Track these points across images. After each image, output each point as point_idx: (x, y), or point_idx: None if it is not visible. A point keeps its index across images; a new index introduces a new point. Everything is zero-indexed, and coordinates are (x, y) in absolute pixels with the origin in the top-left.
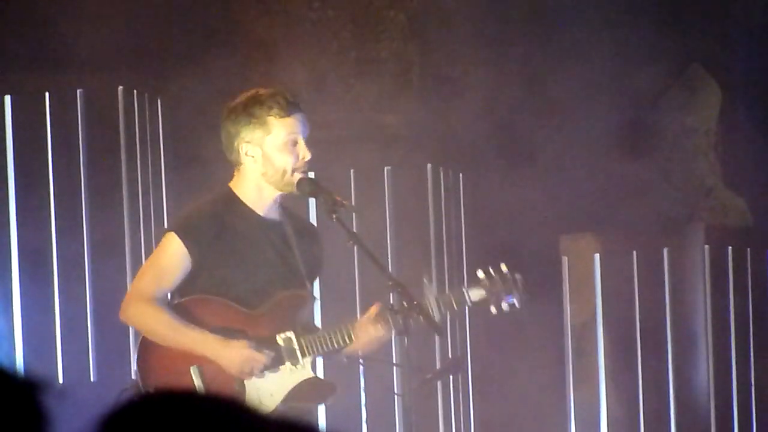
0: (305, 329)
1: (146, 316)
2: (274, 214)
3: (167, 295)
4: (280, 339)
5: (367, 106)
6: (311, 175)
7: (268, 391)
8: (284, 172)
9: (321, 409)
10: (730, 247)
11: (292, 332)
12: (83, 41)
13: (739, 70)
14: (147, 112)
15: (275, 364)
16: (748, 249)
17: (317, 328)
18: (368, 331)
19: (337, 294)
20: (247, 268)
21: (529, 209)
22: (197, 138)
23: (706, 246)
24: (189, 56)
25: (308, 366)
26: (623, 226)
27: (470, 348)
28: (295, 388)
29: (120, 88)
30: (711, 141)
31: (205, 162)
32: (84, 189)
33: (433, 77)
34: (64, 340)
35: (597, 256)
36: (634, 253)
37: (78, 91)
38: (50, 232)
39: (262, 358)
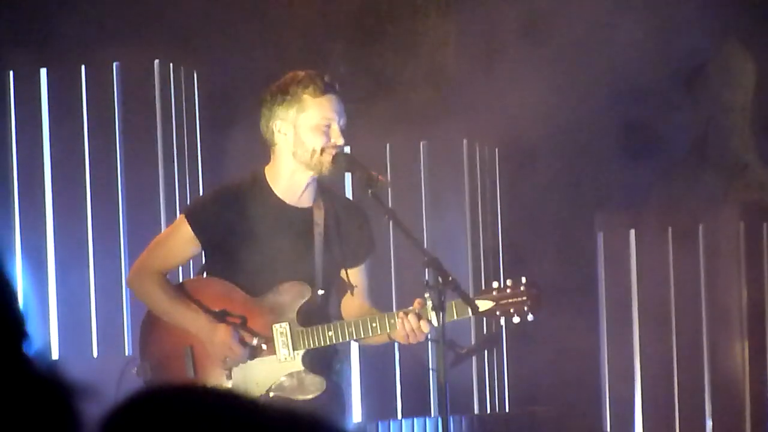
0: (305, 321)
1: (147, 289)
2: (305, 200)
3: (173, 271)
4: (274, 329)
5: (404, 81)
6: (347, 150)
7: (254, 379)
8: (314, 152)
9: (356, 383)
10: (765, 224)
11: (287, 324)
12: (119, 14)
13: None
14: (183, 85)
15: (263, 353)
16: None
17: (318, 322)
18: (408, 325)
19: (372, 270)
20: (257, 255)
21: (565, 184)
22: (233, 110)
23: (741, 222)
24: (225, 29)
25: (299, 359)
26: (659, 202)
27: (505, 324)
28: (281, 379)
29: (156, 61)
30: (746, 117)
31: (240, 134)
32: (120, 162)
33: (469, 52)
34: (100, 316)
35: (632, 231)
36: (670, 229)
37: (114, 64)
38: (86, 204)
39: (239, 350)
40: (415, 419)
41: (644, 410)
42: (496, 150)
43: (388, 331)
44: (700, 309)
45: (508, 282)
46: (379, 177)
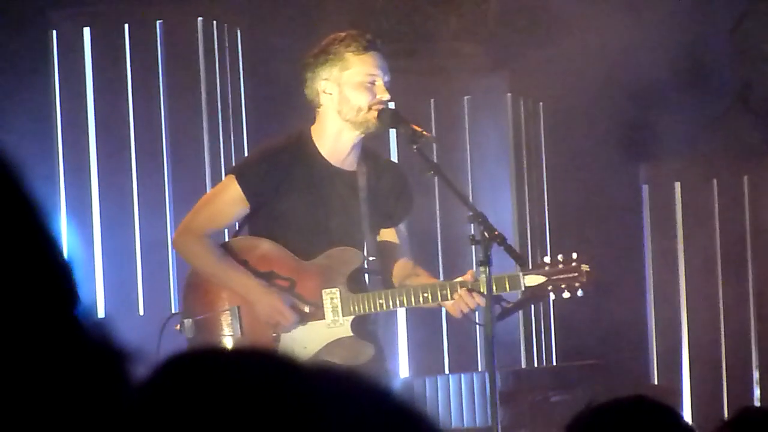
0: (355, 287)
1: (193, 249)
2: (350, 164)
3: (220, 232)
4: (324, 294)
5: (447, 36)
6: (392, 106)
7: (302, 342)
8: (359, 110)
9: (403, 340)
10: None
11: (337, 289)
12: None
13: None
14: (226, 43)
15: (313, 318)
16: None
17: (368, 288)
18: (461, 298)
19: (418, 226)
20: (306, 217)
21: (609, 137)
22: (276, 68)
23: None
24: None
25: (347, 324)
26: (703, 154)
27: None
28: (329, 344)
29: (199, 19)
30: None
31: (284, 93)
32: (164, 120)
33: (512, 6)
34: (146, 274)
35: (677, 184)
36: (714, 181)
37: (158, 22)
38: (130, 165)
39: (289, 315)
40: (462, 374)
41: (691, 362)
42: (540, 104)
43: (440, 301)
44: (745, 260)
45: (560, 257)
46: (424, 132)
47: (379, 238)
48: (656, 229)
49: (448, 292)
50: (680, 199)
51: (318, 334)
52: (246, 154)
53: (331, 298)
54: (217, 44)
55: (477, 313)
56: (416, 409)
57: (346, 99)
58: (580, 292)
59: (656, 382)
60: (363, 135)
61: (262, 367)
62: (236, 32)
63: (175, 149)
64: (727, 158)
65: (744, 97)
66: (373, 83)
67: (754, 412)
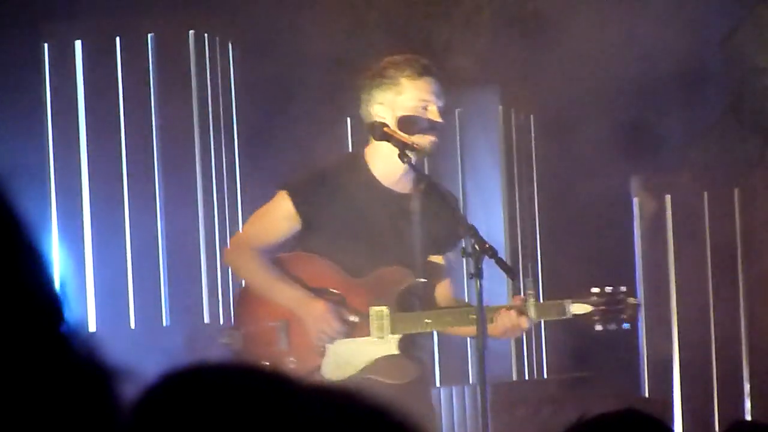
0: (403, 307)
1: (245, 263)
2: (403, 186)
3: (271, 248)
4: (372, 311)
5: (439, 49)
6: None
7: (346, 358)
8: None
9: None
10: None
11: (386, 307)
12: None
13: None
14: (218, 56)
15: (359, 334)
16: None
17: (415, 309)
18: (509, 322)
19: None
20: (357, 236)
21: (600, 149)
22: (268, 81)
23: None
24: (259, 0)
25: (394, 342)
26: (694, 166)
27: (542, 290)
28: (375, 361)
29: (191, 32)
30: None
31: (276, 106)
32: (155, 134)
33: (503, 18)
34: (137, 287)
35: (668, 196)
36: (705, 193)
37: (149, 35)
38: (122, 177)
39: (336, 324)
40: (453, 387)
41: (682, 375)
42: (531, 117)
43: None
44: (736, 272)
45: (607, 289)
46: (415, 145)
47: (432, 261)
48: (647, 242)
49: (494, 315)
50: (671, 211)
51: (363, 350)
52: (297, 172)
53: (379, 316)
54: (209, 57)
55: None
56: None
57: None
58: (625, 325)
59: (647, 395)
60: (416, 159)
61: (255, 383)
62: (228, 45)
63: (166, 162)
64: (717, 171)
65: (735, 109)
66: (425, 109)
67: (746, 425)
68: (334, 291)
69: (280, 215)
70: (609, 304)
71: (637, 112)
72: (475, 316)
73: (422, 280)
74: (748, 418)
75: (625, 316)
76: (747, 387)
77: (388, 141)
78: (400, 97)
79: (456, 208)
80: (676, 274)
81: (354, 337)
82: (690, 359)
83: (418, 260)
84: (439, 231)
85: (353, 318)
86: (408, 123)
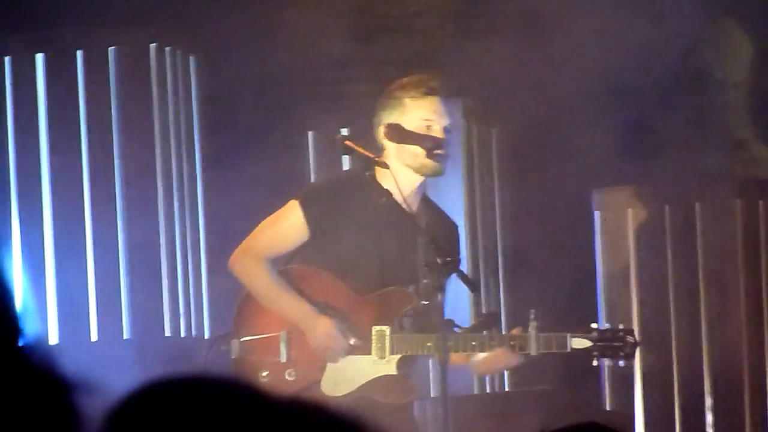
0: (404, 328)
1: (250, 271)
2: (411, 205)
3: (279, 258)
4: (374, 330)
5: (400, 63)
6: (344, 132)
7: (346, 375)
8: (416, 156)
9: None
10: (762, 201)
11: (388, 327)
12: None
13: None
14: (179, 70)
15: (357, 352)
16: None
17: (418, 331)
18: (502, 358)
19: None
20: (364, 253)
21: (561, 163)
22: (230, 95)
23: (738, 200)
24: (221, 12)
25: (393, 363)
26: (655, 180)
27: (504, 304)
28: (373, 380)
29: (152, 45)
30: (742, 94)
31: (237, 119)
32: (116, 147)
33: (465, 32)
34: (98, 300)
35: (629, 210)
36: (666, 207)
37: (110, 48)
38: (83, 190)
39: (341, 342)
40: (414, 401)
41: (644, 388)
42: (493, 131)
43: (487, 352)
44: (698, 286)
45: (607, 325)
46: (377, 159)
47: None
48: (608, 256)
49: (497, 343)
50: (632, 225)
51: (363, 369)
52: (309, 183)
53: (380, 336)
54: (171, 71)
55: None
56: None
57: (403, 145)
58: (622, 362)
59: (609, 408)
60: (424, 178)
61: (223, 396)
62: (189, 59)
63: (128, 175)
64: (679, 184)
65: (697, 122)
66: (429, 128)
67: None
68: (337, 308)
69: (290, 224)
70: (609, 340)
71: (598, 125)
72: (476, 343)
73: (425, 302)
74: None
75: (623, 354)
76: (708, 401)
77: (350, 155)
78: (404, 118)
79: (458, 240)
80: (637, 287)
81: (355, 353)
82: (651, 372)
83: (422, 282)
84: (444, 255)
85: (353, 341)
86: (428, 142)
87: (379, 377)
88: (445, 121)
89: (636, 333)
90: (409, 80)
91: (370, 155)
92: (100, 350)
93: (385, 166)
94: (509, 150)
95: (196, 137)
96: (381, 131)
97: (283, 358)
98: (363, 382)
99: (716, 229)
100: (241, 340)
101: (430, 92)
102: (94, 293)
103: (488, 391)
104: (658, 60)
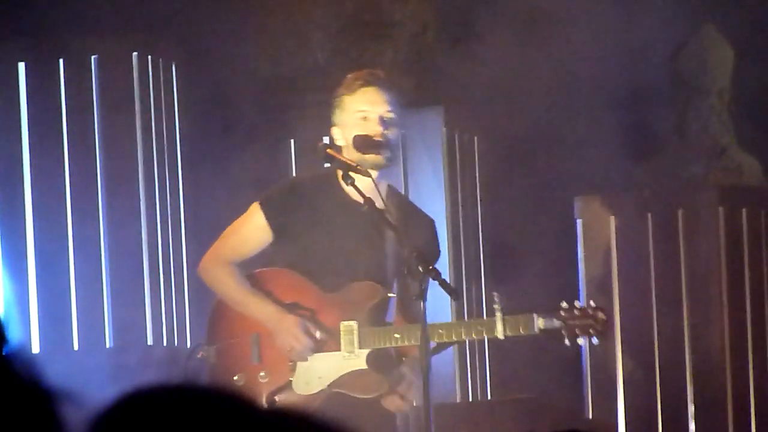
0: (373, 322)
1: (218, 277)
2: (375, 201)
3: (245, 261)
4: (342, 326)
5: (382, 68)
6: (326, 140)
7: (317, 372)
8: (353, 151)
9: None
10: (744, 208)
11: (355, 321)
12: (97, 6)
13: (752, 30)
14: (161, 78)
15: (329, 349)
16: (762, 209)
17: (388, 324)
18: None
19: None
20: (329, 250)
21: (544, 171)
22: (212, 102)
23: (720, 207)
24: (203, 20)
25: (363, 357)
26: (638, 187)
27: (486, 311)
28: (344, 375)
29: (134, 53)
30: (724, 101)
31: (219, 127)
32: (99, 155)
33: (448, 39)
34: (80, 308)
35: (612, 218)
36: (649, 215)
37: (92, 57)
38: (65, 198)
39: (305, 340)
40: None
41: (626, 396)
42: (475, 138)
43: (454, 339)
44: (680, 294)
45: (576, 303)
46: (358, 167)
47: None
48: (591, 263)
49: (463, 331)
50: (615, 232)
51: (333, 365)
52: (272, 185)
53: (349, 331)
54: (153, 79)
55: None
56: None
57: (347, 140)
58: (595, 340)
59: (591, 417)
60: (378, 171)
61: (207, 403)
62: (171, 66)
63: (109, 183)
64: (661, 191)
65: (680, 130)
66: (365, 119)
67: None
68: (306, 306)
69: (253, 227)
70: (578, 318)
71: (581, 132)
72: (443, 331)
73: (392, 295)
74: None
75: (594, 331)
76: (691, 409)
77: (331, 163)
78: (343, 114)
79: (435, 233)
80: (620, 295)
81: (324, 351)
82: (634, 381)
83: (390, 275)
84: (417, 251)
85: (320, 335)
86: (359, 143)
87: (349, 372)
88: (382, 110)
89: (613, 317)
90: (349, 77)
91: (352, 163)
92: (82, 359)
93: (367, 174)
94: (491, 158)
95: (178, 145)
96: (333, 132)
97: (255, 360)
98: (334, 378)
99: (699, 236)
100: (217, 346)
101: (364, 84)
102: (76, 302)
103: (471, 399)
104: (640, 67)
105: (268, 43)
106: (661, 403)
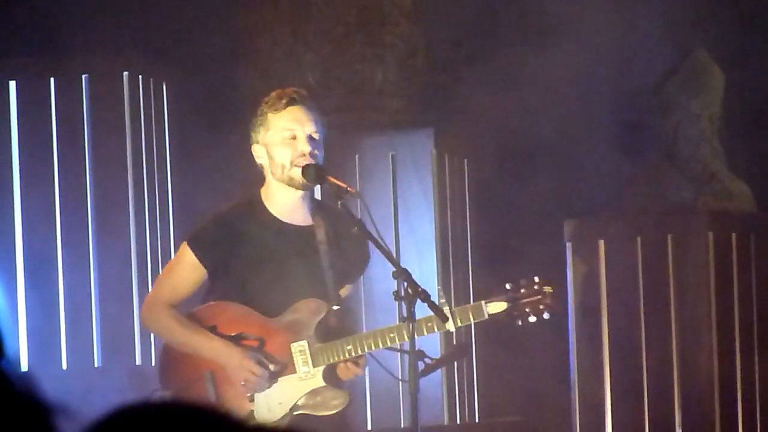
0: (323, 337)
1: (160, 322)
2: (303, 219)
3: (185, 301)
4: (293, 348)
5: (372, 91)
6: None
7: (276, 399)
8: (283, 167)
9: None
10: (734, 233)
11: (305, 341)
12: (88, 26)
13: (743, 55)
14: (152, 98)
15: (284, 373)
16: (752, 235)
17: (338, 337)
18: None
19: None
20: (266, 275)
21: (533, 194)
22: (202, 122)
23: (710, 232)
24: (195, 41)
25: (319, 375)
26: (627, 211)
27: (474, 334)
28: (304, 397)
29: (125, 73)
30: (715, 126)
31: (210, 147)
32: (89, 174)
33: (437, 61)
34: (69, 328)
35: (601, 241)
36: (638, 238)
37: (83, 76)
38: (54, 217)
39: (257, 371)
40: (384, 431)
41: (614, 421)
42: (465, 161)
43: (405, 340)
44: (669, 319)
45: (522, 282)
46: (348, 188)
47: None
48: (580, 287)
49: (414, 330)
50: (604, 256)
51: (292, 388)
52: (196, 222)
53: (300, 351)
54: (143, 98)
55: (400, 368)
56: None
57: (273, 159)
58: (546, 315)
59: None
60: (302, 191)
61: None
62: (162, 87)
63: (99, 202)
64: (651, 216)
65: (669, 154)
66: (293, 138)
67: None
68: (253, 335)
69: (185, 266)
70: (525, 297)
71: (571, 156)
72: (394, 335)
73: (337, 307)
74: None
75: (543, 306)
76: None
77: (321, 183)
78: (269, 133)
79: (362, 244)
80: (608, 319)
81: (280, 376)
82: (622, 404)
83: (330, 289)
84: (348, 256)
85: (272, 367)
86: (280, 155)
87: (309, 392)
88: (310, 129)
89: (572, 340)
90: (273, 94)
91: (343, 185)
92: (70, 379)
93: (358, 195)
94: (481, 180)
95: (168, 164)
96: (254, 150)
97: (212, 397)
98: (295, 401)
99: (688, 261)
100: (172, 389)
101: (290, 102)
102: (65, 322)
103: (459, 421)
104: (630, 91)
105: (259, 63)
106: (649, 426)
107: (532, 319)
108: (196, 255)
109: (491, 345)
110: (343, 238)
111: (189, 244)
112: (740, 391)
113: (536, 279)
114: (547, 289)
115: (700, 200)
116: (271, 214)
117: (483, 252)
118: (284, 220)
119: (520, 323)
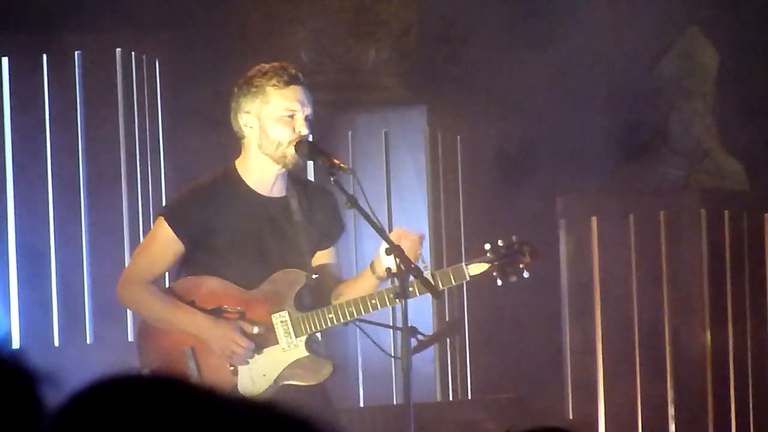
0: (303, 307)
1: (138, 298)
2: (278, 190)
3: (161, 277)
4: (274, 318)
5: (366, 69)
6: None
7: (260, 371)
8: (279, 145)
9: None
10: (726, 211)
11: (286, 312)
12: (81, 3)
13: (737, 33)
14: (145, 74)
15: (267, 344)
16: (745, 213)
17: (318, 306)
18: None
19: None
20: (243, 248)
21: (526, 170)
22: (194, 99)
23: (703, 209)
24: (187, 17)
25: (302, 345)
26: (620, 188)
27: (467, 311)
28: (288, 367)
29: (118, 50)
30: (708, 104)
31: (203, 124)
32: (81, 151)
33: (431, 39)
34: (61, 304)
35: (594, 218)
36: (631, 216)
37: (76, 53)
38: (47, 194)
39: (243, 342)
40: (377, 407)
41: (606, 396)
42: (458, 138)
43: (388, 305)
44: (661, 296)
45: (500, 242)
46: (341, 165)
47: (315, 262)
48: (573, 264)
49: (393, 296)
50: (597, 233)
51: (275, 360)
52: (172, 195)
53: (282, 322)
54: (136, 75)
55: (392, 345)
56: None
57: (265, 133)
58: (526, 274)
59: (571, 417)
60: (285, 169)
61: (176, 392)
62: (155, 63)
63: (92, 179)
64: (644, 193)
65: (663, 132)
66: (292, 117)
67: None
68: (233, 308)
69: (162, 241)
70: (505, 257)
71: (564, 133)
72: (376, 302)
73: (315, 276)
74: None
75: (523, 266)
76: (671, 410)
77: (313, 160)
78: (267, 106)
79: (337, 205)
80: (601, 296)
81: (262, 348)
82: (614, 380)
83: (308, 259)
84: (323, 225)
85: (256, 330)
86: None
87: (292, 363)
88: (308, 111)
89: (565, 316)
90: (270, 67)
91: (336, 160)
92: (62, 355)
93: (351, 172)
94: (474, 157)
95: (161, 141)
96: (241, 118)
97: (195, 373)
98: (279, 372)
99: (681, 238)
100: (152, 366)
101: (292, 81)
102: (57, 298)
103: (451, 398)
104: (624, 69)
105: (252, 40)
106: (642, 402)
107: (513, 278)
108: (173, 229)
109: (484, 322)
110: (317, 209)
111: (165, 219)
112: (732, 367)
113: (514, 239)
114: (526, 248)
115: (692, 177)
116: (247, 187)
117: (475, 228)
118: (260, 192)
119: (500, 283)
